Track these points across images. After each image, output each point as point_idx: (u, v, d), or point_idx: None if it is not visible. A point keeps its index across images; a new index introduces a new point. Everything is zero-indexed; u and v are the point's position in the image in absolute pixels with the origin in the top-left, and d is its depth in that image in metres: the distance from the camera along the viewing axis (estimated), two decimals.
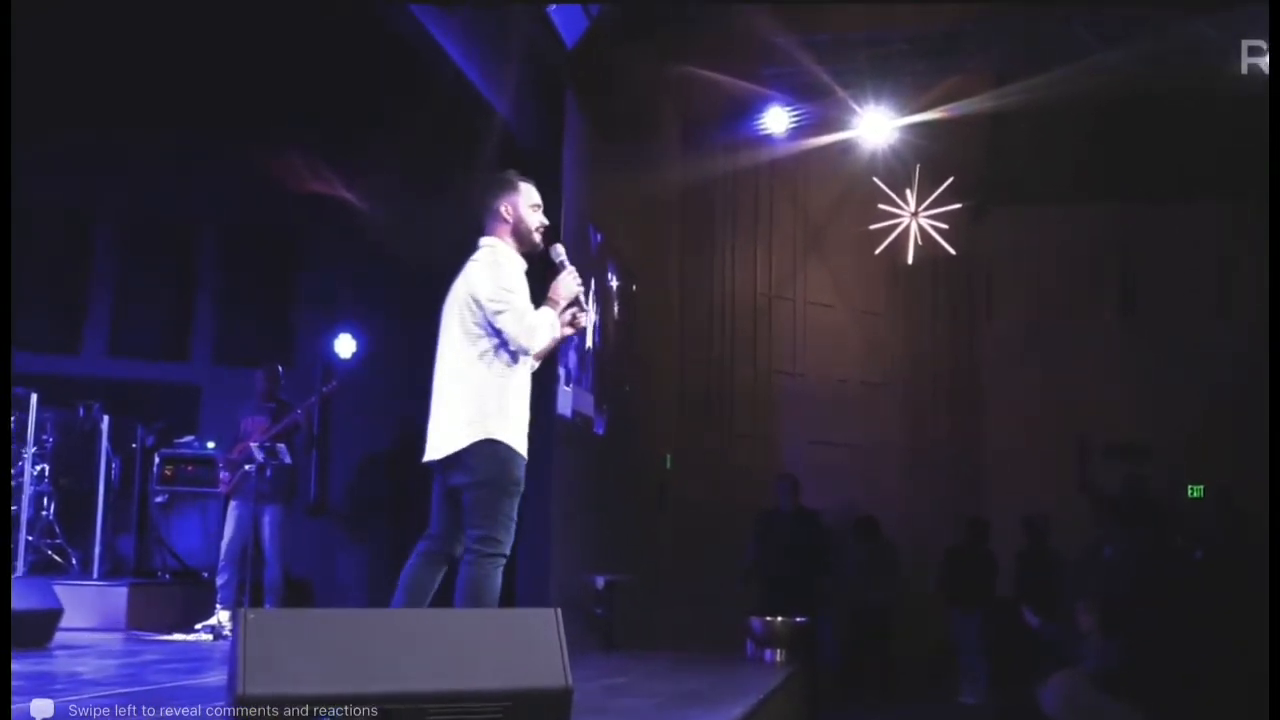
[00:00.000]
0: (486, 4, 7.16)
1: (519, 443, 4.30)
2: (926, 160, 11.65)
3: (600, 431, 9.54)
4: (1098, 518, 9.74)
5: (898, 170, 11.80)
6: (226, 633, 7.28)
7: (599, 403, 9.40)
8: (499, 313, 4.22)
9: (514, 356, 4.27)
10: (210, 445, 9.16)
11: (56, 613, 6.53)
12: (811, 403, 12.20)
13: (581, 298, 4.44)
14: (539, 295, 4.38)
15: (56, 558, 8.31)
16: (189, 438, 9.42)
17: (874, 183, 11.87)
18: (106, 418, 8.61)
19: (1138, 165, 11.70)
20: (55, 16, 7.41)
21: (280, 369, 8.30)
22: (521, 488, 4.29)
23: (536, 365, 4.48)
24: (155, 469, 9.06)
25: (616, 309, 10.06)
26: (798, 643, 8.22)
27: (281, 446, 7.68)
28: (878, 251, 12.08)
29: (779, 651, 8.12)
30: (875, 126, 11.07)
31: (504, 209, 4.42)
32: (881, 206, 11.95)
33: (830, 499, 11.02)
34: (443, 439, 4.26)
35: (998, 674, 9.84)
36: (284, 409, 8.07)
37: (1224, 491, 9.86)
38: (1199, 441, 11.32)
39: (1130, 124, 11.33)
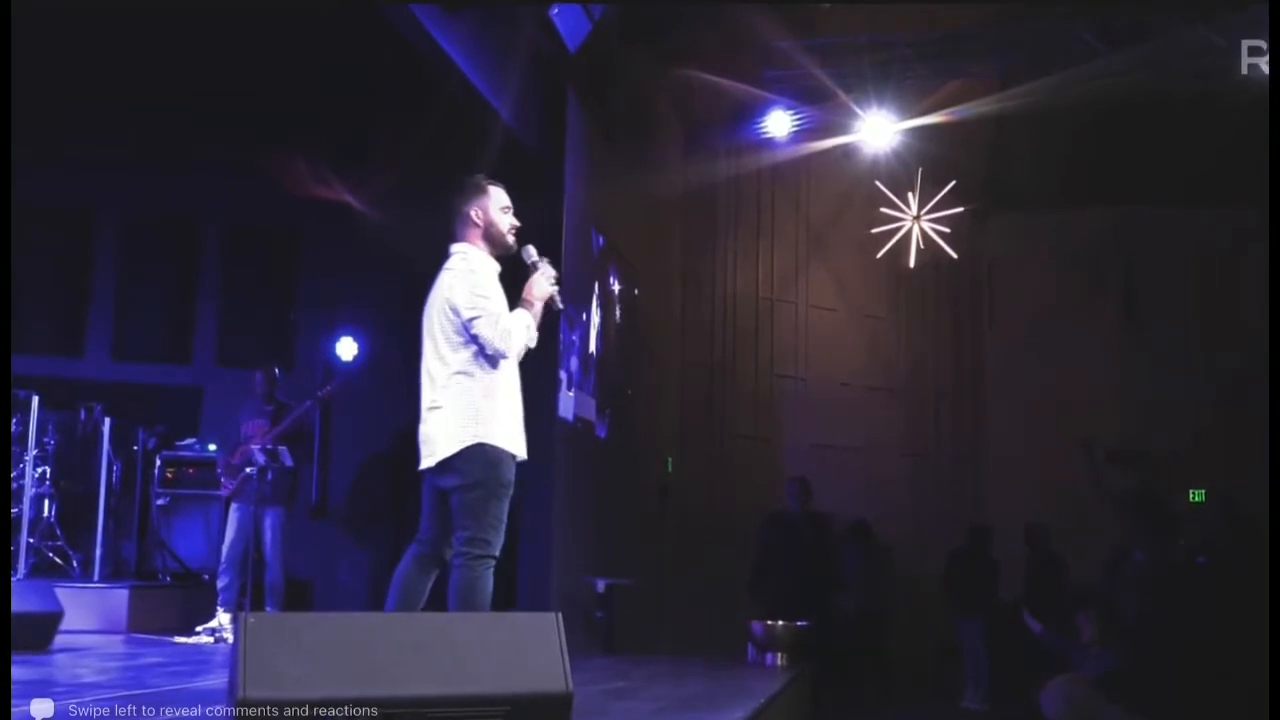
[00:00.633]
0: (490, 6, 7.16)
1: (509, 442, 4.30)
2: (928, 164, 11.65)
3: (602, 435, 9.53)
4: (1120, 522, 9.68)
5: (900, 174, 11.80)
6: (227, 635, 7.28)
7: (601, 407, 9.39)
8: (474, 319, 4.23)
9: (493, 361, 4.27)
10: (211, 448, 9.16)
11: (57, 615, 6.53)
12: (813, 406, 12.19)
13: (556, 297, 4.44)
14: (515, 297, 4.38)
15: (57, 560, 8.31)
16: (190, 440, 9.43)
17: (876, 186, 11.87)
18: (108, 420, 8.60)
19: (1140, 169, 11.70)
20: (56, 17, 7.42)
21: (277, 371, 8.31)
22: (511, 489, 4.28)
23: (525, 350, 4.44)
24: (157, 471, 9.07)
25: (619, 312, 10.05)
26: (799, 646, 8.21)
27: (283, 449, 7.69)
28: (880, 255, 12.08)
29: (780, 655, 8.10)
30: (877, 130, 11.06)
31: (474, 213, 4.42)
32: (883, 210, 11.95)
33: (832, 503, 11.00)
34: (433, 447, 4.27)
35: (999, 678, 9.82)
36: (283, 411, 8.08)
37: (1226, 496, 9.83)
38: (1200, 446, 11.31)
39: (1132, 128, 11.33)
